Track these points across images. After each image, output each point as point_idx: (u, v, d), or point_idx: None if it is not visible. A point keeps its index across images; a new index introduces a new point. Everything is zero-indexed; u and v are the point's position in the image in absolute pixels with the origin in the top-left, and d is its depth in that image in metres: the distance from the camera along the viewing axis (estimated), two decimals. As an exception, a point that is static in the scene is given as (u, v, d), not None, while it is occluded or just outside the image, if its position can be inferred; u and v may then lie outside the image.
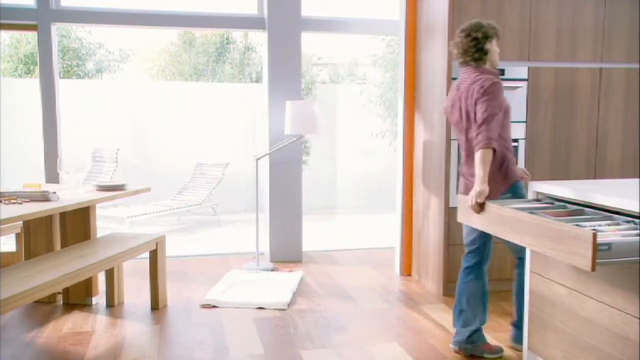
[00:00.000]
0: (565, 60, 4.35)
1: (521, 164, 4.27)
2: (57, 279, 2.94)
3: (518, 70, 4.21)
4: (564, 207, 2.67)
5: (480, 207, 2.74)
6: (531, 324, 2.94)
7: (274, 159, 5.28)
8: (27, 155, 8.52)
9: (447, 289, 4.25)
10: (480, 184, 2.79)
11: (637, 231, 2.18)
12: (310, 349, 3.30)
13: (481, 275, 3.20)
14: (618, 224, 2.32)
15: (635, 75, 4.41)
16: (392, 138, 9.78)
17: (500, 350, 3.20)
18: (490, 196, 2.99)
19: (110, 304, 4.02)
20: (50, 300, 4.09)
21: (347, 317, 3.84)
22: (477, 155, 2.82)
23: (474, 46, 2.97)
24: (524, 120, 4.26)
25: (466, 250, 3.24)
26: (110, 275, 3.99)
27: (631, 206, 2.28)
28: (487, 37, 2.97)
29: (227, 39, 11.88)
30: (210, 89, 10.17)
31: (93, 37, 11.17)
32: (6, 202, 3.30)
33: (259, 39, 11.44)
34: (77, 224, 3.97)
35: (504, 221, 2.52)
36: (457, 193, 3.03)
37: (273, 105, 5.23)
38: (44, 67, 4.93)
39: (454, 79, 4.14)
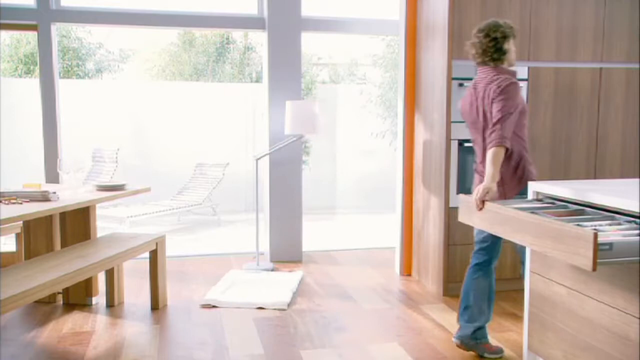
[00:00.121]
0: (565, 60, 4.35)
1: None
2: (57, 279, 2.94)
3: (518, 70, 4.20)
4: (565, 207, 2.67)
5: (482, 204, 2.74)
6: (531, 324, 2.94)
7: (274, 159, 5.28)
8: (27, 155, 8.52)
9: (447, 289, 4.25)
10: (489, 182, 2.80)
11: (638, 231, 2.18)
12: (310, 349, 3.30)
13: (489, 273, 3.21)
14: (619, 224, 2.32)
15: (635, 75, 4.41)
16: (392, 138, 9.78)
17: (501, 351, 3.20)
18: (506, 195, 3.01)
19: (110, 304, 4.02)
20: (50, 300, 4.09)
21: (347, 317, 3.84)
22: (489, 153, 2.85)
23: (493, 46, 2.98)
24: (524, 120, 4.26)
25: (476, 247, 3.24)
26: (110, 275, 3.99)
27: (632, 206, 2.28)
28: (505, 37, 2.99)
29: (227, 39, 11.88)
30: (210, 89, 10.17)
31: (93, 37, 11.18)
32: (6, 202, 3.30)
33: (259, 39, 11.44)
34: (77, 224, 3.97)
35: (505, 221, 2.52)
36: (473, 188, 3.04)
37: (273, 105, 5.23)
38: (44, 67, 4.93)
39: (454, 79, 4.14)
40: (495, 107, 2.89)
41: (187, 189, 8.43)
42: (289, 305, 4.06)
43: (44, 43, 4.91)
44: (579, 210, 2.59)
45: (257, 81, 11.50)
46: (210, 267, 5.12)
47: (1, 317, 3.76)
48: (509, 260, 4.32)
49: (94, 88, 9.42)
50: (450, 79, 4.07)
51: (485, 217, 2.70)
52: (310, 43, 11.50)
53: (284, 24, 5.16)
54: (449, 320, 3.76)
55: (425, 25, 4.44)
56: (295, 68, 5.22)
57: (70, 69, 10.89)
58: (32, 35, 10.03)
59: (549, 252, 2.21)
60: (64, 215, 3.97)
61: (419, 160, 4.64)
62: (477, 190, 2.79)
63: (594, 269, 2.00)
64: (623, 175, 4.46)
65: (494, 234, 2.64)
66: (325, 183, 9.89)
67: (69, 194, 3.74)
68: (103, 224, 7.49)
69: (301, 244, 5.42)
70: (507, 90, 2.89)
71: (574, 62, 4.38)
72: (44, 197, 3.39)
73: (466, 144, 4.18)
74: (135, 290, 4.41)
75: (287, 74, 5.21)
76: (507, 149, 2.88)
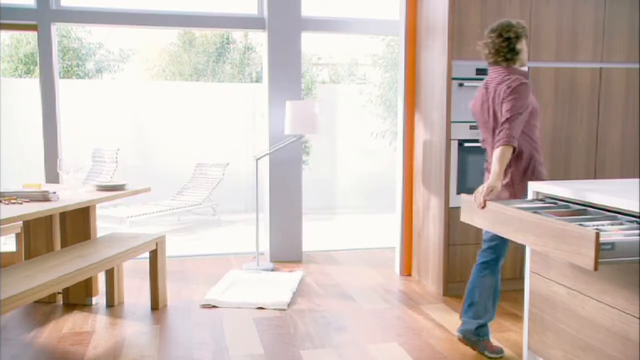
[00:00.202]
0: (566, 60, 4.35)
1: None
2: (57, 279, 2.94)
3: (518, 70, 4.20)
4: (567, 207, 2.67)
5: (484, 203, 2.74)
6: (531, 324, 2.94)
7: (274, 159, 5.28)
8: (27, 155, 8.52)
9: (447, 289, 4.25)
10: (494, 180, 2.81)
11: (639, 231, 2.18)
12: (310, 349, 3.30)
13: (496, 271, 3.21)
14: (621, 224, 2.32)
15: (635, 75, 4.41)
16: (392, 138, 9.78)
17: (501, 351, 3.19)
18: (516, 196, 3.02)
19: (110, 304, 4.02)
20: (50, 300, 4.09)
21: (347, 317, 3.84)
22: (496, 151, 2.86)
23: (507, 46, 3.00)
24: (525, 120, 4.26)
25: (484, 245, 3.24)
26: (110, 275, 3.99)
27: (633, 206, 2.28)
28: (518, 37, 3.01)
29: (227, 39, 11.89)
30: (210, 89, 10.17)
31: (93, 37, 11.19)
32: (6, 202, 3.30)
33: (259, 39, 11.45)
34: (77, 224, 3.97)
35: (507, 221, 2.52)
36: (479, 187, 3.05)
37: (273, 105, 5.23)
38: (44, 67, 4.92)
39: (454, 79, 4.14)
40: (505, 107, 2.91)
41: (187, 189, 8.43)
42: (289, 305, 4.06)
43: (44, 43, 4.91)
44: (581, 210, 2.59)
45: (257, 81, 11.50)
46: (210, 267, 5.12)
47: (1, 317, 3.76)
48: (508, 260, 4.31)
49: (94, 88, 9.41)
50: (450, 79, 4.07)
51: (488, 217, 2.70)
52: (310, 43, 11.51)
53: (284, 24, 5.16)
54: (449, 320, 3.76)
55: (425, 25, 4.44)
56: (295, 68, 5.22)
57: (70, 69, 10.89)
58: (32, 35, 10.04)
59: (551, 251, 2.21)
60: (64, 215, 3.97)
61: (419, 160, 4.64)
62: (482, 187, 2.79)
63: (596, 269, 2.00)
64: (623, 175, 4.46)
65: (497, 234, 2.64)
66: (325, 183, 9.89)
67: (69, 194, 3.74)
68: (103, 224, 7.49)
69: (301, 244, 5.42)
70: (518, 91, 2.90)
71: (574, 62, 4.38)
72: (44, 197, 3.39)
73: (466, 144, 4.18)
74: (135, 290, 4.41)
75: (287, 74, 5.21)
76: (514, 149, 2.89)
